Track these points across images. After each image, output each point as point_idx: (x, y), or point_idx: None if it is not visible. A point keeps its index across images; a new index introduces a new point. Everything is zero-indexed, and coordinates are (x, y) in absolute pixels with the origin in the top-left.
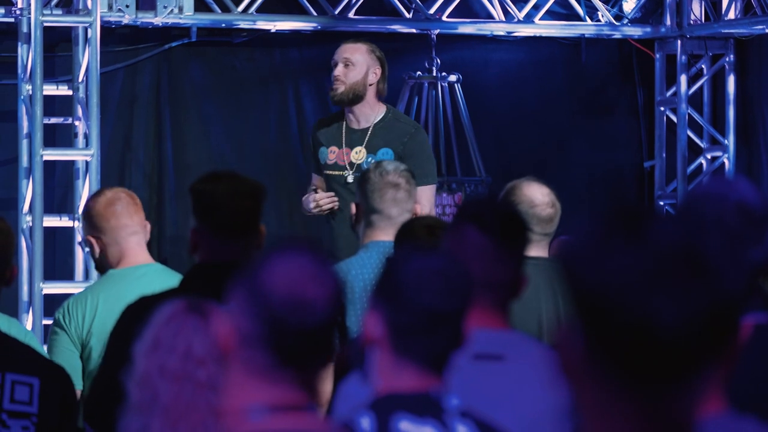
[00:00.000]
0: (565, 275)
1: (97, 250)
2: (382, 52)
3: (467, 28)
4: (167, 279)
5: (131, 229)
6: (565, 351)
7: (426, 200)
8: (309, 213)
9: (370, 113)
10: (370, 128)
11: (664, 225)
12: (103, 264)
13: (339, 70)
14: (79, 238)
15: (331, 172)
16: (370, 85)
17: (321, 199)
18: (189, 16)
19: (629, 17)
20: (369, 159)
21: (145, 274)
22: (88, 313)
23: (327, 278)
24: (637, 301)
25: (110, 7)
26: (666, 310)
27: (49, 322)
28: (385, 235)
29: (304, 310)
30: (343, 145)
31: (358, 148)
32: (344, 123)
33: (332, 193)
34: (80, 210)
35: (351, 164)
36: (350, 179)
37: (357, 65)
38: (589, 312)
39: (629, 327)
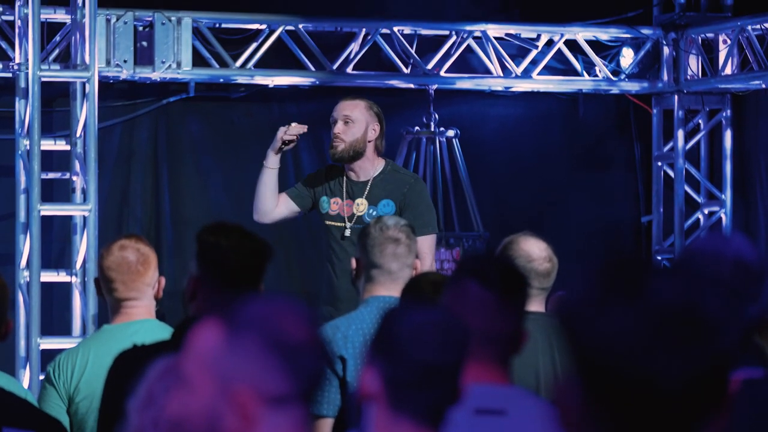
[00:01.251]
0: (565, 333)
1: (99, 292)
2: (379, 108)
3: (465, 83)
4: (160, 334)
5: (127, 294)
6: (564, 406)
7: (426, 250)
8: (274, 148)
9: (370, 168)
10: (370, 181)
11: (662, 282)
12: (108, 305)
13: (339, 128)
14: (76, 293)
15: (332, 223)
16: (369, 141)
17: (293, 124)
18: (187, 71)
19: (626, 72)
20: (371, 210)
21: (137, 330)
22: (77, 368)
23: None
24: (638, 360)
25: (108, 63)
26: (668, 368)
27: None
28: (385, 289)
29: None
30: (344, 197)
31: (359, 200)
32: (344, 176)
33: (306, 127)
34: (78, 265)
35: (352, 216)
36: (347, 233)
37: (356, 122)
38: (589, 370)
39: (631, 385)
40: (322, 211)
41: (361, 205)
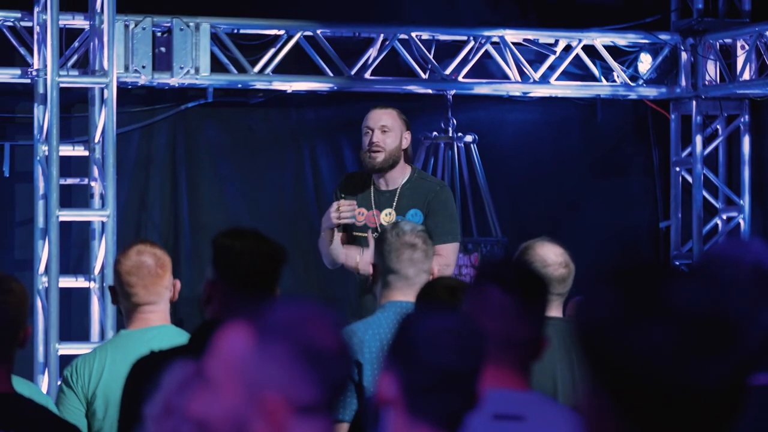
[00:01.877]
0: (589, 349)
1: (114, 300)
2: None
3: (483, 88)
4: (178, 339)
5: (146, 299)
6: (596, 421)
7: (447, 258)
8: (329, 227)
9: (399, 176)
10: (398, 189)
11: (682, 289)
12: (122, 312)
13: (378, 137)
14: (95, 298)
15: (360, 234)
16: (403, 149)
17: (342, 206)
18: (205, 77)
19: (644, 78)
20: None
21: (155, 336)
22: (95, 372)
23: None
24: (677, 370)
25: (126, 68)
26: (705, 373)
27: None
28: (402, 295)
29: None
30: (373, 207)
31: (387, 210)
32: (372, 185)
33: (353, 202)
34: (96, 270)
35: (381, 226)
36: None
37: (392, 130)
38: (620, 383)
39: (671, 395)
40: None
41: (389, 216)
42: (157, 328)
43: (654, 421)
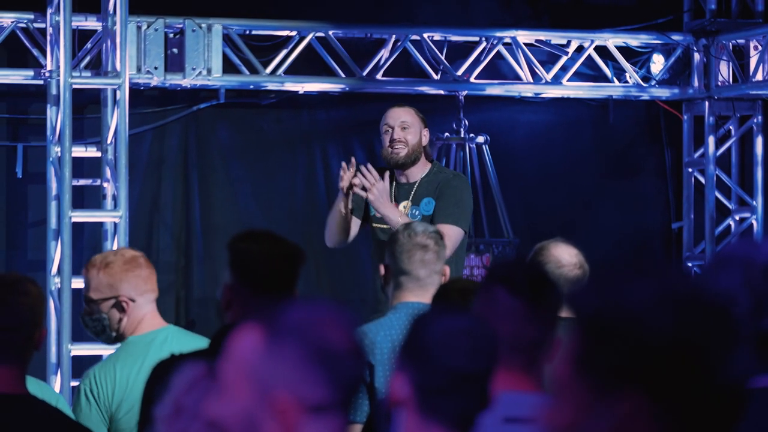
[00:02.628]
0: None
1: (127, 310)
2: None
3: (495, 89)
4: (187, 341)
5: (155, 294)
6: (568, 378)
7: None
8: (339, 213)
9: (420, 172)
10: (417, 182)
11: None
12: (119, 327)
13: (398, 134)
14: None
15: (379, 225)
16: (423, 146)
17: (345, 179)
18: (217, 78)
19: (657, 78)
20: (413, 210)
21: (166, 338)
22: (118, 385)
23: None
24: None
25: (139, 69)
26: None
27: (78, 383)
28: (413, 296)
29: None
30: (392, 199)
31: (405, 202)
32: (393, 180)
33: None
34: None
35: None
36: None
37: (412, 127)
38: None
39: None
40: (371, 214)
41: (405, 207)
42: (166, 329)
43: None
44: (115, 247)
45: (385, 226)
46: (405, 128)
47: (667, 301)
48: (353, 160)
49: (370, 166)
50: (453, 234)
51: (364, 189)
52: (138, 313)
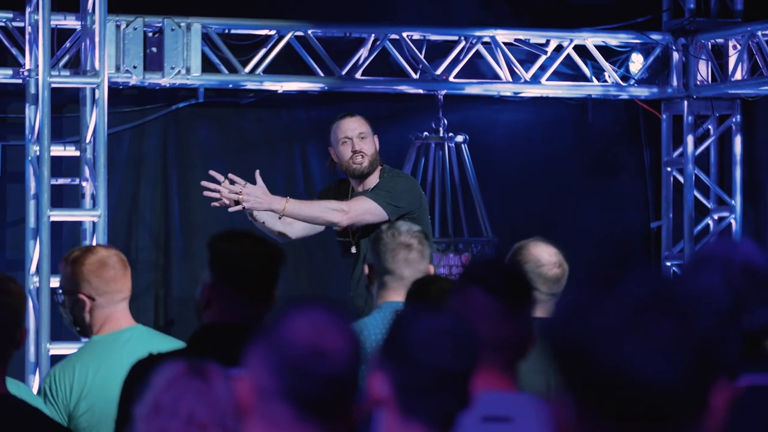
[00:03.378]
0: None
1: (87, 308)
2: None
3: (474, 88)
4: (153, 341)
5: (122, 294)
6: (559, 411)
7: (352, 204)
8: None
9: (375, 178)
10: (370, 189)
11: (637, 276)
12: (83, 324)
13: (359, 145)
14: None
15: (341, 239)
16: (377, 153)
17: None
18: (196, 77)
19: (636, 78)
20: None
21: (129, 338)
22: (76, 384)
23: (346, 329)
24: (611, 352)
25: (118, 68)
26: (639, 359)
27: None
28: (397, 295)
29: (324, 358)
30: None
31: None
32: (351, 189)
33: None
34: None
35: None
36: (353, 250)
37: (368, 136)
38: (568, 369)
39: (605, 378)
40: (333, 228)
41: None
42: (131, 330)
43: (600, 409)
44: None
45: (345, 239)
46: (363, 138)
47: (587, 298)
48: (215, 175)
49: (230, 176)
50: (362, 203)
51: (237, 203)
52: (101, 312)
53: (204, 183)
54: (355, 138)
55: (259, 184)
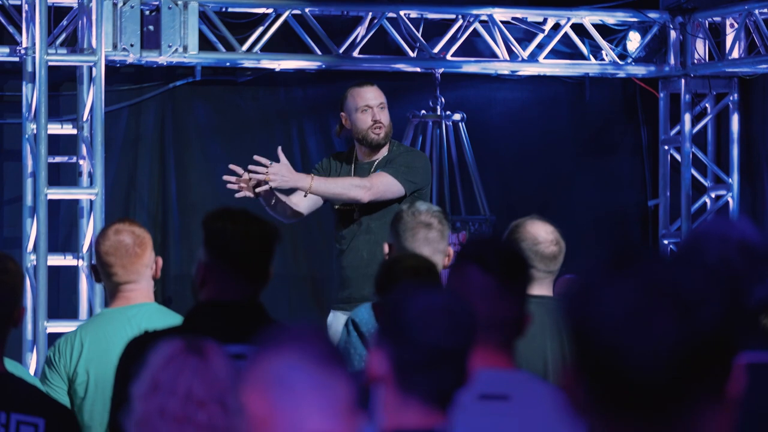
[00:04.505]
0: (562, 314)
1: (105, 282)
2: None
3: (471, 67)
4: (160, 319)
5: (126, 278)
6: (571, 389)
7: (373, 179)
8: (271, 207)
9: (384, 150)
10: (378, 161)
11: (651, 263)
12: (105, 290)
13: (380, 115)
14: (83, 276)
15: (343, 207)
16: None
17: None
18: (193, 55)
19: (633, 56)
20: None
21: (135, 314)
22: (75, 351)
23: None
24: (611, 337)
25: (115, 47)
26: (638, 345)
27: None
28: None
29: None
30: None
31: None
32: (354, 159)
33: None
34: (85, 248)
35: None
36: (356, 216)
37: (386, 108)
38: (580, 349)
39: (606, 361)
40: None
41: None
42: (138, 306)
43: (605, 390)
44: (90, 225)
45: (347, 208)
46: (383, 108)
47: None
48: (235, 169)
49: (255, 158)
50: (383, 179)
51: (259, 184)
52: (116, 287)
53: (225, 177)
54: (376, 108)
55: (283, 162)
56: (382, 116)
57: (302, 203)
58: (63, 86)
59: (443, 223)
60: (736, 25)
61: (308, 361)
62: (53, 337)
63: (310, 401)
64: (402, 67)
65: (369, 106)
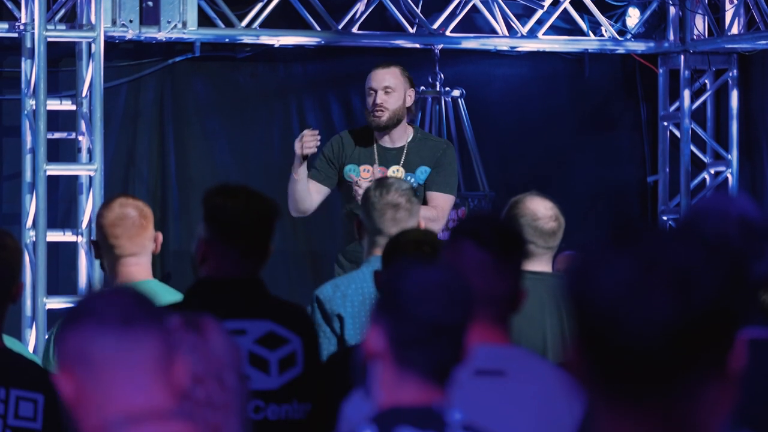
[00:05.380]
0: (562, 290)
1: (104, 259)
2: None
3: (471, 43)
4: (161, 296)
5: (130, 250)
6: (574, 365)
7: (441, 205)
8: (299, 163)
9: (404, 134)
10: (405, 147)
11: (649, 239)
12: (105, 274)
13: (381, 98)
14: (82, 252)
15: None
16: (407, 107)
17: (306, 135)
18: (192, 31)
19: (632, 32)
20: (408, 177)
21: None
22: None
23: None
24: (608, 310)
25: (114, 23)
26: (634, 318)
27: None
28: None
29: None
30: (377, 163)
31: (395, 167)
32: (375, 142)
33: (316, 132)
34: (84, 224)
35: None
36: None
37: (396, 90)
38: (578, 324)
39: (603, 334)
40: (348, 180)
41: (397, 172)
42: (139, 284)
43: (604, 366)
44: (90, 201)
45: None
46: (388, 92)
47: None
48: (307, 132)
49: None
50: (449, 202)
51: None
52: (116, 264)
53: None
54: (380, 90)
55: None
56: (384, 99)
57: (317, 199)
58: (62, 62)
59: (411, 201)
60: (735, 1)
61: (106, 328)
62: (52, 314)
63: (113, 374)
64: (401, 43)
65: (373, 89)
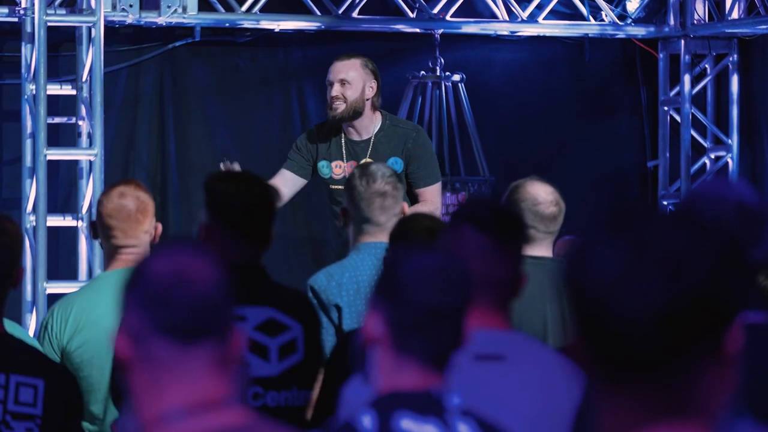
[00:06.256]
0: (562, 274)
1: (104, 245)
2: (374, 64)
3: (471, 27)
4: None
5: (126, 241)
6: (575, 349)
7: (432, 199)
8: None
9: (370, 125)
10: (372, 138)
11: (644, 223)
12: (103, 251)
13: (336, 90)
14: (82, 237)
15: (337, 187)
16: (367, 99)
17: None
18: (193, 16)
19: (633, 17)
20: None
21: None
22: (71, 319)
23: (208, 257)
24: (602, 294)
25: (114, 7)
26: (627, 301)
27: None
28: (374, 238)
29: (187, 284)
30: (346, 158)
31: (364, 161)
32: (342, 136)
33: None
34: (84, 209)
35: None
36: None
37: (353, 83)
38: (575, 308)
39: (598, 318)
40: (324, 176)
41: None
42: None
43: (598, 350)
44: (90, 186)
45: (341, 187)
46: (344, 84)
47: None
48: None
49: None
50: (438, 190)
51: None
52: (113, 250)
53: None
54: (336, 83)
55: None
56: (341, 91)
57: (286, 191)
58: (62, 47)
59: (397, 188)
60: None
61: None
62: (52, 298)
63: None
64: (401, 27)
65: (330, 81)
